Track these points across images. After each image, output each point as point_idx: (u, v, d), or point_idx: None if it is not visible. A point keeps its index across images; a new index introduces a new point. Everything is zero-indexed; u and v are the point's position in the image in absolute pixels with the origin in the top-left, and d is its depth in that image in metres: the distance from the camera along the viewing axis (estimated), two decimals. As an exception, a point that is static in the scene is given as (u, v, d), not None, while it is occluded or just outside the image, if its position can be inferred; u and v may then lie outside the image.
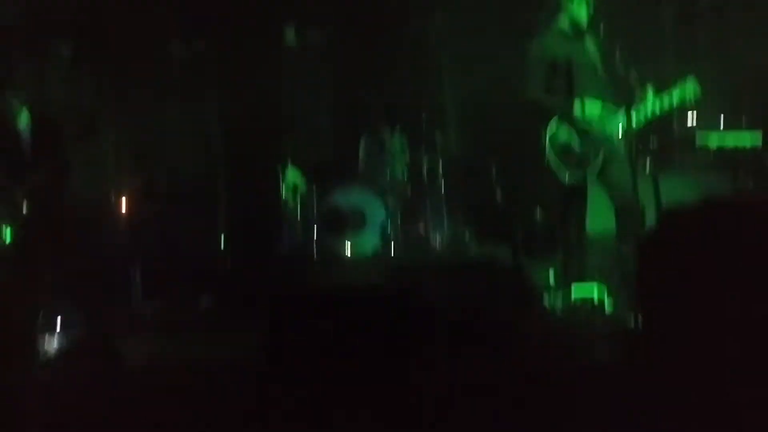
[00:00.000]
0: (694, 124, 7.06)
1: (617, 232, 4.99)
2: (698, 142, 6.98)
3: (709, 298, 1.83)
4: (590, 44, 4.91)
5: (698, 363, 1.83)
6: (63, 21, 7.55)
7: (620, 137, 4.86)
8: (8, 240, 5.55)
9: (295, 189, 7.92)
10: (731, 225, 1.89)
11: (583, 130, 4.89)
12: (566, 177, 4.99)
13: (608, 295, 4.69)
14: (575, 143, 4.92)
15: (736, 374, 1.80)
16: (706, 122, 7.12)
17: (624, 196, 4.85)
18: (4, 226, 5.59)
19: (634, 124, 4.69)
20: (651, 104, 4.68)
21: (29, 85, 6.28)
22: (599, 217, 5.19)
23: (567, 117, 4.93)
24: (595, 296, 4.72)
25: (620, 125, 4.79)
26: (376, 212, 7.20)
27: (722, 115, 6.84)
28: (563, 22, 4.99)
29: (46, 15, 7.36)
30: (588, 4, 4.83)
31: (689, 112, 7.03)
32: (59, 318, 5.40)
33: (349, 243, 7.20)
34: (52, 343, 5.11)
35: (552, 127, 4.96)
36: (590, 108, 4.84)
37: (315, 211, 7.65)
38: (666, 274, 1.92)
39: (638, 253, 2.08)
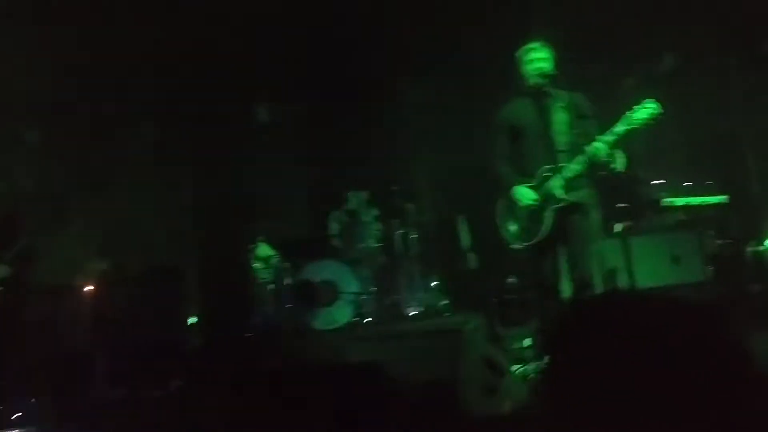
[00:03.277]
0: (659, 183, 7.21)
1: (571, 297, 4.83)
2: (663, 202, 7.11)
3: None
4: (551, 107, 4.81)
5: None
6: (29, 109, 7.57)
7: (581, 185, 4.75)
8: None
9: (266, 264, 7.85)
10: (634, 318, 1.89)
11: (541, 196, 4.77)
12: (523, 246, 4.89)
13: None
14: (530, 211, 4.80)
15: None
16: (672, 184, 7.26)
17: (576, 262, 4.65)
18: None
19: (597, 154, 4.51)
20: (614, 127, 4.52)
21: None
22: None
23: (526, 183, 4.84)
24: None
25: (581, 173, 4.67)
26: (349, 283, 7.12)
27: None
28: (522, 87, 4.93)
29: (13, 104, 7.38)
30: (543, 66, 4.77)
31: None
32: (23, 408, 5.25)
33: (321, 315, 7.10)
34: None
35: (513, 195, 4.86)
36: (546, 170, 4.74)
37: (287, 285, 7.57)
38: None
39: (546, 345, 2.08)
